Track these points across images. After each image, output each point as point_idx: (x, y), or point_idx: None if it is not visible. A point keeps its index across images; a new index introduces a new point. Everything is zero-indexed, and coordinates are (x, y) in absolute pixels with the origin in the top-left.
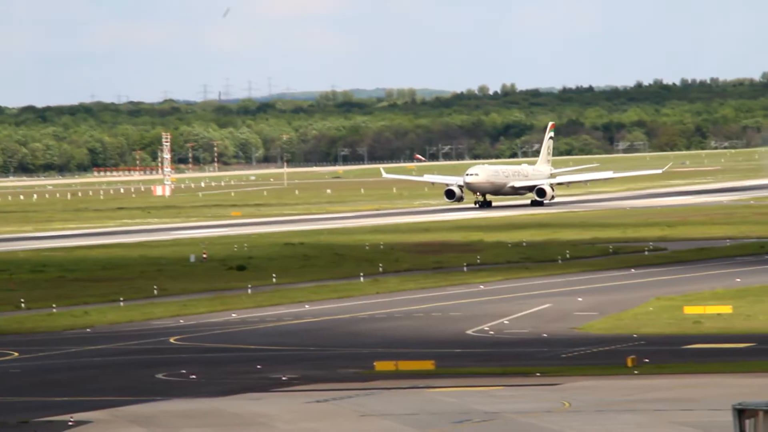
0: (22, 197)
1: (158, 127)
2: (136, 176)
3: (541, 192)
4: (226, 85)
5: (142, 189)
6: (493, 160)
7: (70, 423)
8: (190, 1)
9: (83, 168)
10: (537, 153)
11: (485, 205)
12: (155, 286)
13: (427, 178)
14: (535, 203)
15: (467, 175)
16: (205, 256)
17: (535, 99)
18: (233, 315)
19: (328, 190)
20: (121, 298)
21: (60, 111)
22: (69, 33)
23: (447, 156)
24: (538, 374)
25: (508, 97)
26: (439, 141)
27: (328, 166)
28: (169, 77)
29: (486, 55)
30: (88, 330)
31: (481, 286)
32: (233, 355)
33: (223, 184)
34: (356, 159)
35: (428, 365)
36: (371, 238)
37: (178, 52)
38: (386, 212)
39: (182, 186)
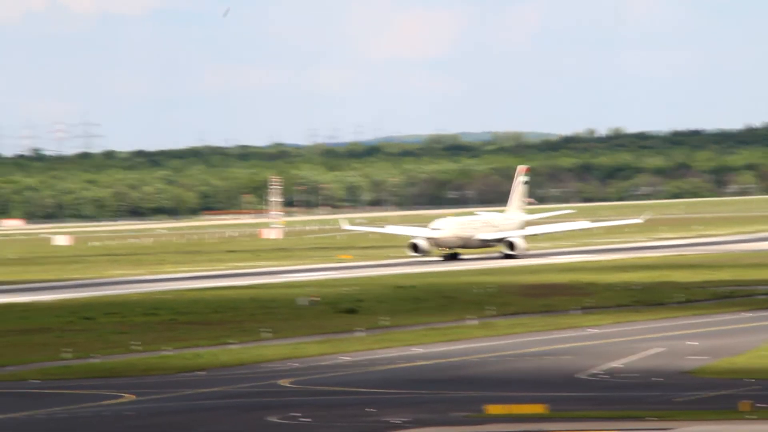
0: (133, 241)
1: (267, 170)
2: (246, 219)
3: (511, 245)
4: (333, 128)
5: (251, 232)
6: (461, 210)
7: None
8: (297, 45)
9: (193, 211)
10: (645, 197)
11: (452, 258)
12: (266, 329)
13: (390, 229)
14: (506, 256)
15: (432, 229)
16: (315, 299)
17: (643, 142)
18: (344, 358)
19: None
20: (232, 341)
21: (170, 155)
22: (179, 77)
23: (556, 198)
24: (650, 419)
25: (616, 140)
26: (547, 184)
27: (436, 209)
28: (278, 120)
29: (594, 97)
30: (200, 372)
31: (592, 330)
32: (345, 398)
33: (329, 227)
34: (465, 202)
35: (539, 409)
36: (480, 281)
37: (286, 95)
38: (492, 256)
39: (291, 229)
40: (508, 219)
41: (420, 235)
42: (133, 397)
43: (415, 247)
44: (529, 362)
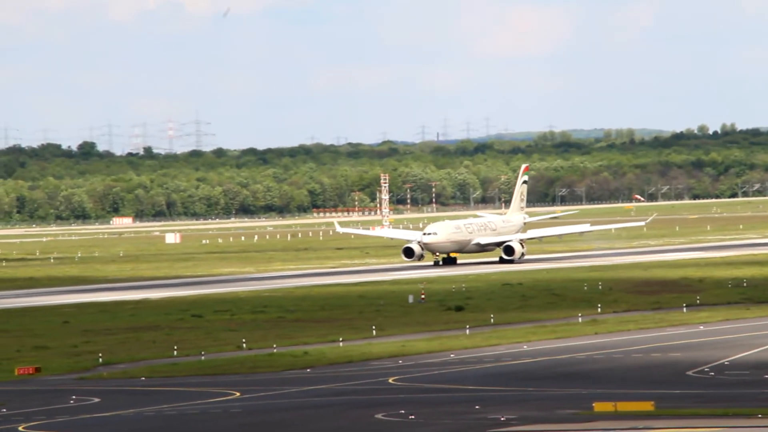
0: (243, 238)
1: (377, 167)
2: (355, 217)
3: (509, 250)
4: (444, 125)
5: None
6: (460, 213)
7: None
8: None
9: (303, 209)
10: (759, 193)
11: (449, 262)
12: (374, 327)
13: (385, 232)
14: (503, 261)
15: (424, 234)
16: (423, 296)
17: (755, 138)
18: (451, 355)
19: None
20: (341, 339)
21: (280, 153)
22: (290, 75)
23: (666, 196)
24: (759, 416)
25: (728, 136)
26: (658, 181)
27: (545, 207)
28: (388, 118)
29: (706, 94)
30: (307, 370)
31: (701, 327)
32: (452, 395)
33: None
34: (574, 199)
35: (647, 406)
36: (588, 278)
37: (397, 93)
38: (602, 253)
39: (401, 226)
40: (508, 222)
41: (414, 239)
42: (239, 395)
43: (409, 252)
44: (637, 359)
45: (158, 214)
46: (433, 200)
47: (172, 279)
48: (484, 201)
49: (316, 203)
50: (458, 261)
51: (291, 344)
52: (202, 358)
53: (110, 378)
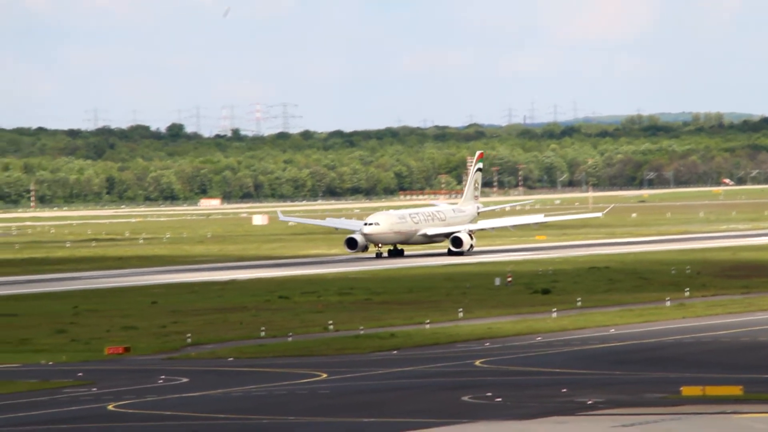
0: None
1: (463, 150)
2: (442, 200)
3: (456, 241)
4: (530, 108)
5: None
6: (406, 201)
7: None
8: (496, 26)
9: (389, 191)
10: None
11: (396, 254)
12: (460, 309)
13: (330, 222)
14: (451, 253)
15: (365, 224)
16: (509, 279)
17: None
18: (538, 338)
19: (634, 214)
20: (427, 321)
21: (367, 135)
22: (377, 58)
23: (755, 179)
24: None
25: None
26: (747, 164)
27: (633, 190)
28: (474, 101)
29: None
30: (394, 352)
31: None
32: (538, 378)
33: (528, 207)
34: (662, 183)
35: (736, 390)
36: (676, 261)
37: (484, 76)
38: (692, 236)
39: (487, 209)
40: (460, 211)
41: (358, 229)
42: (326, 376)
43: (352, 243)
44: (725, 343)
45: (245, 196)
46: (520, 183)
47: (259, 260)
48: (571, 184)
49: (402, 186)
50: (405, 253)
51: (377, 326)
52: (289, 339)
53: (198, 358)
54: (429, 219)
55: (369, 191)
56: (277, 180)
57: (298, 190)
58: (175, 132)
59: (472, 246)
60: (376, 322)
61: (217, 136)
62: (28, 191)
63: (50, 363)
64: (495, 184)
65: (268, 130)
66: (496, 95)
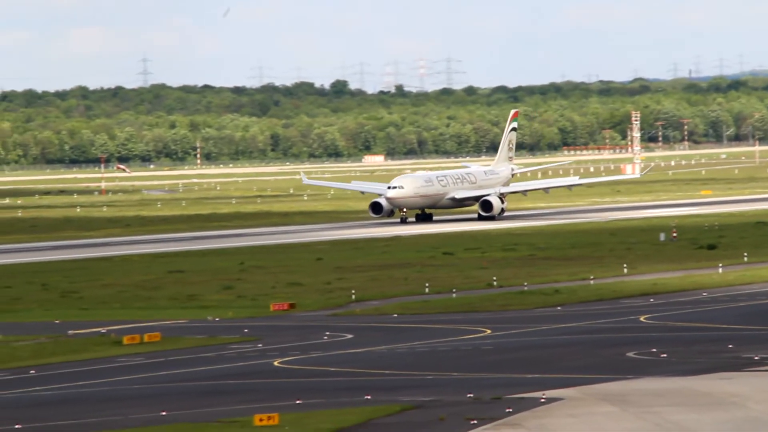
0: None
1: (628, 105)
2: (606, 155)
3: (486, 205)
4: (696, 62)
5: (612, 168)
6: (438, 161)
7: (542, 400)
8: None
9: (553, 147)
10: None
11: (424, 219)
12: (625, 265)
13: (356, 185)
14: (481, 218)
15: (389, 188)
16: (674, 234)
17: None
18: (704, 293)
19: None
20: (591, 276)
21: (531, 91)
22: (541, 13)
23: None
24: None
25: None
26: None
27: None
28: (639, 55)
29: None
30: (558, 308)
31: None
32: (704, 334)
33: (693, 162)
34: None
35: None
36: None
37: (649, 30)
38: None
39: (651, 164)
40: (492, 173)
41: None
42: (490, 332)
43: (377, 208)
44: None
45: (409, 152)
46: (685, 138)
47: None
48: (738, 138)
49: (566, 141)
50: (434, 218)
51: (541, 282)
52: (453, 295)
53: (362, 314)
54: (458, 182)
55: (533, 147)
56: (441, 136)
57: (462, 146)
58: (339, 88)
59: (503, 210)
60: (540, 277)
61: (381, 93)
62: (194, 149)
63: (216, 319)
64: (660, 139)
65: (432, 86)
66: (661, 49)
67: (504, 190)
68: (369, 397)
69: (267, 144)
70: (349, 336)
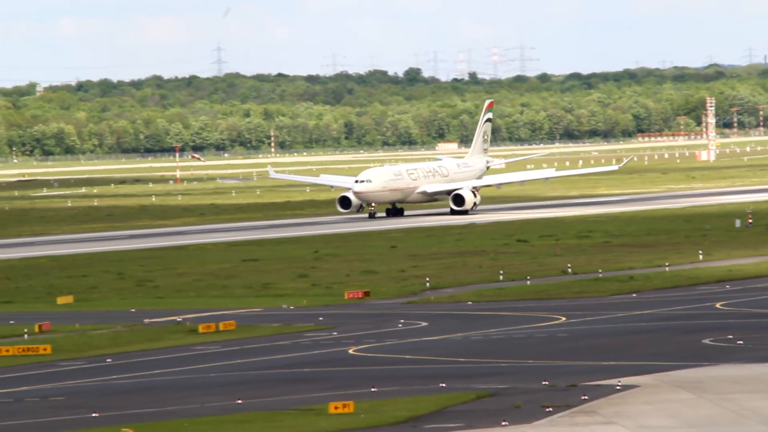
0: (567, 163)
1: (702, 91)
2: (680, 141)
3: (458, 199)
4: None
5: (686, 154)
6: (406, 154)
7: (618, 387)
8: None
9: (627, 134)
10: None
11: (395, 213)
12: (700, 252)
13: (324, 179)
14: (453, 212)
15: (356, 182)
16: (750, 221)
17: None
18: None
19: None
20: (667, 263)
21: (605, 77)
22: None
23: None
24: None
25: None
26: None
27: None
28: (714, 41)
29: None
30: (633, 295)
31: None
32: None
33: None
34: None
35: None
36: None
37: (724, 15)
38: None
39: (727, 151)
40: (466, 166)
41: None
42: (564, 319)
43: (345, 202)
44: None
45: None
46: (761, 124)
47: (496, 204)
48: None
49: (641, 127)
50: (405, 213)
51: (616, 269)
52: (528, 282)
53: (437, 302)
54: (429, 175)
55: (607, 133)
56: (515, 123)
57: (536, 134)
58: (413, 76)
59: (476, 204)
60: (615, 264)
61: (454, 80)
62: (268, 137)
63: (291, 307)
64: (735, 125)
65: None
66: (736, 35)
67: (477, 183)
68: (444, 385)
69: (341, 132)
70: (424, 324)
